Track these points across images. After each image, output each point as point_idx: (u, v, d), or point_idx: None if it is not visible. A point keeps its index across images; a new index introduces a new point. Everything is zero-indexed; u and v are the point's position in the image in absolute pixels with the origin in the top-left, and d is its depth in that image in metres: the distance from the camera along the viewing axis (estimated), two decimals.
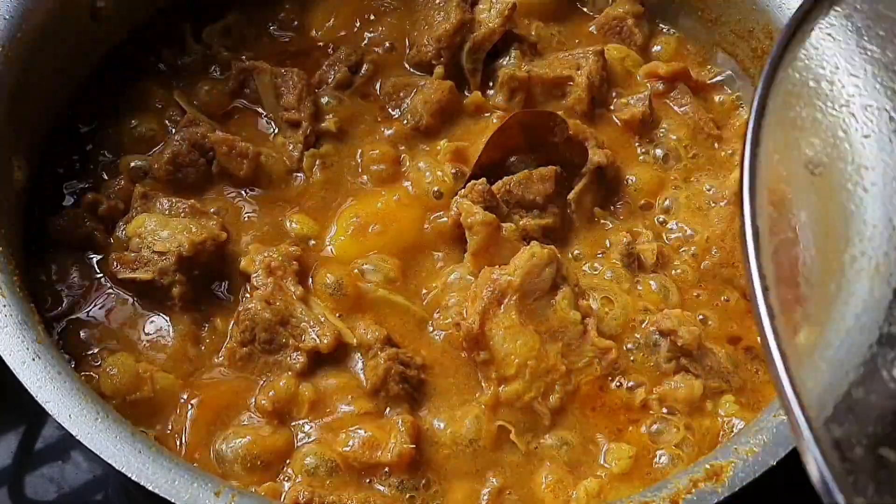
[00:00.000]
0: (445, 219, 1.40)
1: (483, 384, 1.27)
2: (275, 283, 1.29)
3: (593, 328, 1.28)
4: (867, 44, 1.00)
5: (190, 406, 1.24)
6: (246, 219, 1.41)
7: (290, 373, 1.26)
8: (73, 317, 1.30)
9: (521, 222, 1.39)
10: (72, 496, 1.45)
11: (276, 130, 1.49)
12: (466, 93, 1.55)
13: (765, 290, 0.83)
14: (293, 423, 1.24)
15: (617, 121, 1.54)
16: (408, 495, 1.20)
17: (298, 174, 1.45)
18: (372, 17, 1.62)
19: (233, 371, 1.27)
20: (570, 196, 1.43)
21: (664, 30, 1.67)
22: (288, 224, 1.41)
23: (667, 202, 1.48)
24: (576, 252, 1.41)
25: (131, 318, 1.31)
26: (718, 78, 1.63)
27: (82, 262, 1.34)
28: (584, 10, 1.68)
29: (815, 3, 0.95)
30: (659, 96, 1.57)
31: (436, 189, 1.43)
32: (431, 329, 1.33)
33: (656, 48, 1.65)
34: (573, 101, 1.52)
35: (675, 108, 1.57)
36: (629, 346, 1.32)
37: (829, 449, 0.75)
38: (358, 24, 1.61)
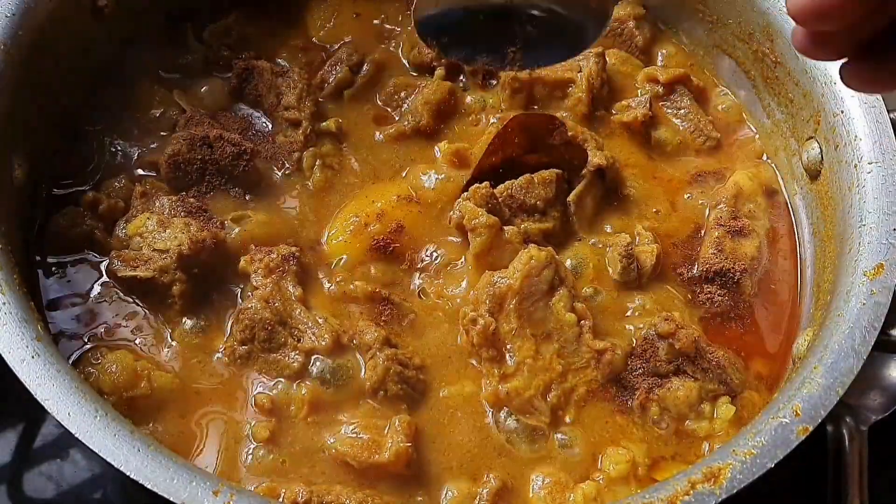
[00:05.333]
0: (446, 220, 1.40)
1: (484, 381, 1.27)
2: (274, 284, 1.30)
3: (588, 330, 1.28)
4: None
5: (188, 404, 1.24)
6: (246, 218, 1.40)
7: (288, 372, 1.26)
8: (74, 315, 1.31)
9: (522, 226, 1.39)
10: (70, 494, 1.45)
11: (277, 130, 1.50)
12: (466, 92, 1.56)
13: None
14: (292, 423, 1.24)
15: (617, 123, 1.54)
16: (405, 495, 1.20)
17: (298, 174, 1.45)
18: (373, 18, 1.62)
19: (232, 369, 1.27)
20: (570, 198, 1.43)
21: (665, 32, 1.67)
22: (288, 224, 1.41)
23: (666, 204, 1.48)
24: (575, 253, 1.41)
25: (131, 316, 1.31)
26: (718, 81, 1.64)
27: (82, 261, 1.35)
28: None
29: None
30: (659, 99, 1.57)
31: (435, 189, 1.44)
32: (430, 329, 1.33)
33: (667, 54, 1.65)
34: (573, 102, 1.53)
35: (675, 110, 1.57)
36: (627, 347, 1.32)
37: None
38: (359, 25, 1.61)
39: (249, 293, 1.31)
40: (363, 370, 1.26)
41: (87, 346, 1.28)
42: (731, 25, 1.58)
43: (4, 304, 1.12)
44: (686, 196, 1.49)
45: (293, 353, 1.26)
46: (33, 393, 1.07)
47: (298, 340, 1.26)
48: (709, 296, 1.39)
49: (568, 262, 1.38)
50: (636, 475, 1.23)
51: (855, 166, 1.32)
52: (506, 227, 1.36)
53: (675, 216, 1.47)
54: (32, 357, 1.08)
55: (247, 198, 1.42)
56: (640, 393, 1.29)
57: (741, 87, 1.60)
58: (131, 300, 1.32)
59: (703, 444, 1.26)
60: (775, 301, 1.42)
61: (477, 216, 1.35)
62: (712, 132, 1.56)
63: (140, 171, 1.44)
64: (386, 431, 1.21)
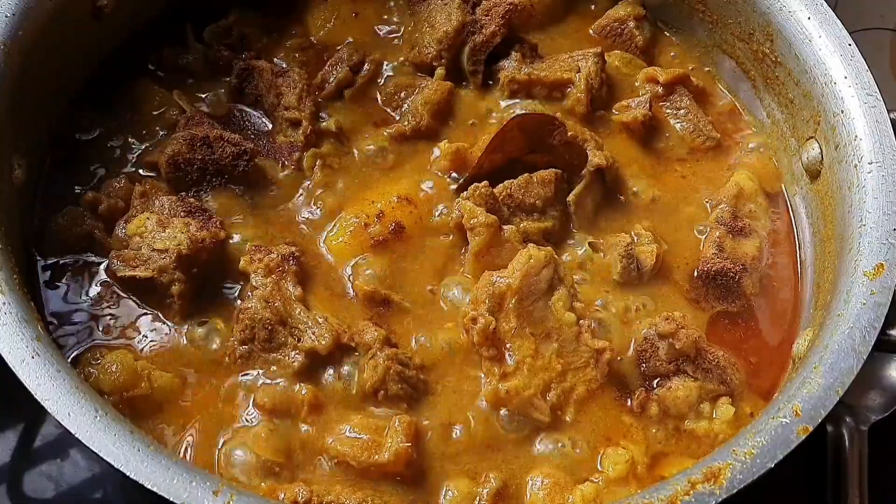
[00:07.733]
0: (446, 220, 1.40)
1: (484, 379, 1.27)
2: (274, 284, 1.30)
3: (587, 330, 1.28)
4: None
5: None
6: (245, 218, 1.41)
7: (289, 372, 1.26)
8: (74, 314, 1.31)
9: (521, 225, 1.39)
10: (70, 494, 1.45)
11: (277, 130, 1.50)
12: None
13: None
14: (292, 423, 1.24)
15: (617, 123, 1.54)
16: (405, 495, 1.20)
17: (298, 174, 1.45)
18: (373, 18, 1.63)
19: (232, 369, 1.27)
20: (570, 198, 1.43)
21: (665, 32, 1.68)
22: (288, 224, 1.41)
23: (667, 204, 1.48)
24: (576, 253, 1.41)
25: (131, 316, 1.31)
26: (718, 81, 1.64)
27: (82, 261, 1.35)
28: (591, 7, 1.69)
29: None
30: (659, 99, 1.57)
31: (436, 190, 1.44)
32: (430, 329, 1.33)
33: (672, 54, 1.65)
34: (573, 102, 1.53)
35: (675, 111, 1.57)
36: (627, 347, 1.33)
37: None
38: (359, 25, 1.62)
39: (249, 293, 1.31)
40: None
41: (87, 346, 1.28)
42: (731, 25, 1.58)
43: (4, 304, 1.12)
44: (687, 195, 1.49)
45: (293, 353, 1.26)
46: (33, 393, 1.07)
47: (299, 340, 1.26)
48: (709, 296, 1.39)
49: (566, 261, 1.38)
50: (636, 475, 1.23)
51: (855, 166, 1.32)
52: (505, 227, 1.37)
53: (676, 216, 1.47)
54: (32, 357, 1.09)
55: (247, 198, 1.42)
56: (640, 393, 1.29)
57: (741, 87, 1.60)
58: (131, 300, 1.32)
59: (703, 443, 1.26)
60: (775, 301, 1.42)
61: (476, 215, 1.35)
62: (712, 132, 1.56)
63: (140, 171, 1.44)
64: (386, 432, 1.21)
